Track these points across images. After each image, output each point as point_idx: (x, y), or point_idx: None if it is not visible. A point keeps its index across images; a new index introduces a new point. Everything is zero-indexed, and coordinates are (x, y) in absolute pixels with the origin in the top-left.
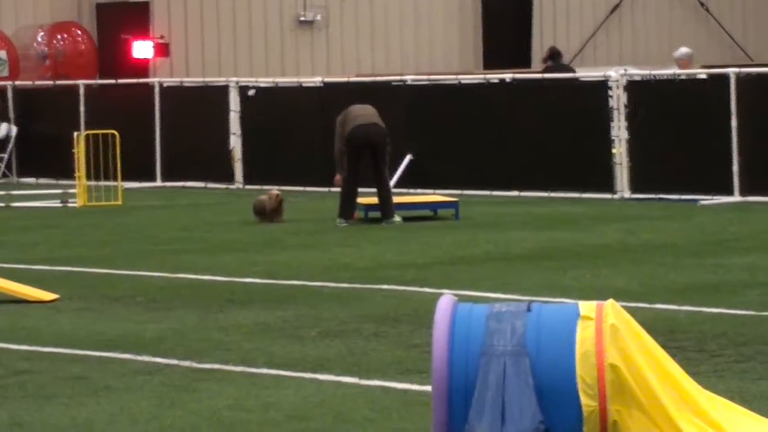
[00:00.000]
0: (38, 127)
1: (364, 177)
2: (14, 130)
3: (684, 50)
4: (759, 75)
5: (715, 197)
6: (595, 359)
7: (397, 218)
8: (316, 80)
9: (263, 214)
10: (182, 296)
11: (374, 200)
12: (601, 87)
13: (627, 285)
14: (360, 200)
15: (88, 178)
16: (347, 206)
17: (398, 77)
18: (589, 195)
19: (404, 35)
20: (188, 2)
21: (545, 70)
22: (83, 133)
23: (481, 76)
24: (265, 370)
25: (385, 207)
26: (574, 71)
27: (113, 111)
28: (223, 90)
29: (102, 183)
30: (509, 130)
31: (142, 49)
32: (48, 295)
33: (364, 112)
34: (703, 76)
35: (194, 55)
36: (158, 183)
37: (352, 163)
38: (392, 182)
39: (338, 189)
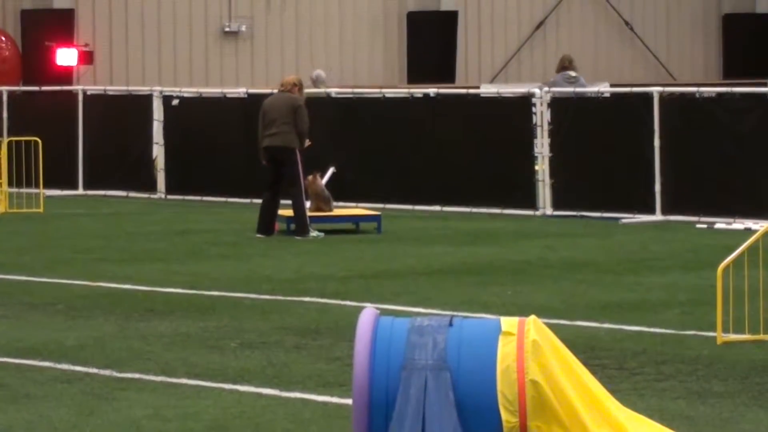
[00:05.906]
0: None
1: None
2: None
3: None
4: (682, 94)
5: (636, 216)
6: (516, 375)
7: (313, 233)
8: (240, 91)
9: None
10: (103, 305)
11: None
12: (524, 103)
13: (548, 301)
14: (281, 212)
15: (10, 184)
16: (264, 221)
17: (322, 90)
18: (511, 211)
19: (329, 48)
20: (113, 10)
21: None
22: (5, 139)
23: (405, 90)
24: (185, 381)
25: (296, 223)
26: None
27: (36, 118)
28: (147, 99)
29: (24, 190)
30: (432, 145)
31: (66, 57)
32: None
33: (271, 118)
34: (607, 95)
35: (118, 63)
36: (80, 191)
37: (268, 178)
38: None
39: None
